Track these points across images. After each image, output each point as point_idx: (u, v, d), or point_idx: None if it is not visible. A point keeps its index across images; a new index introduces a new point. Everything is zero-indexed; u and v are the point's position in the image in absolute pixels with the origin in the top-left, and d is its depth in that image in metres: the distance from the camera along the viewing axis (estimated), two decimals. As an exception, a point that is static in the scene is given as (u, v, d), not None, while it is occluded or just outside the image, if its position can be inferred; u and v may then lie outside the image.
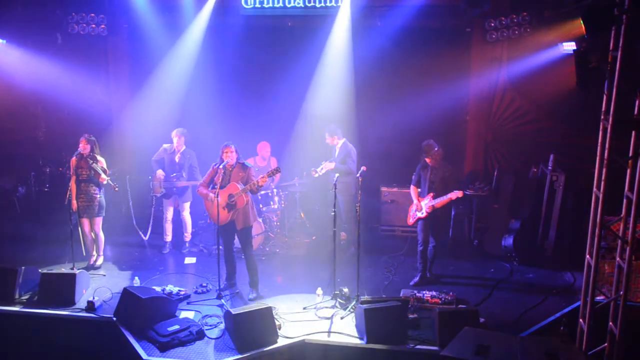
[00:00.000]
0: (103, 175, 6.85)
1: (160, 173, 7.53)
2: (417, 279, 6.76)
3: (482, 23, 8.23)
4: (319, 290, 6.12)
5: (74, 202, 6.91)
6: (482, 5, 7.92)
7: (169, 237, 7.88)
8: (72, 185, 6.93)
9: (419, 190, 6.82)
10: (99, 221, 7.12)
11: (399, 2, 8.19)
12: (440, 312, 5.25)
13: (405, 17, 8.20)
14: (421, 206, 6.65)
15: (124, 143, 9.46)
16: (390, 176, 8.58)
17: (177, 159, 7.59)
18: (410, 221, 6.82)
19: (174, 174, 7.56)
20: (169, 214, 7.79)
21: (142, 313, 5.43)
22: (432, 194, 6.58)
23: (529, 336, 5.31)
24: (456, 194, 6.45)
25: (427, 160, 6.65)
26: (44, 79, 8.99)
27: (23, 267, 6.24)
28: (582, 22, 4.56)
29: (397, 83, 8.89)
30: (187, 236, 7.91)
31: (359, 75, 8.72)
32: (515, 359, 4.31)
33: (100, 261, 7.21)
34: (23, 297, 6.11)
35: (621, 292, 4.53)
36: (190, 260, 7.55)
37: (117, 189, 6.96)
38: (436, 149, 6.57)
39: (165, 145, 7.69)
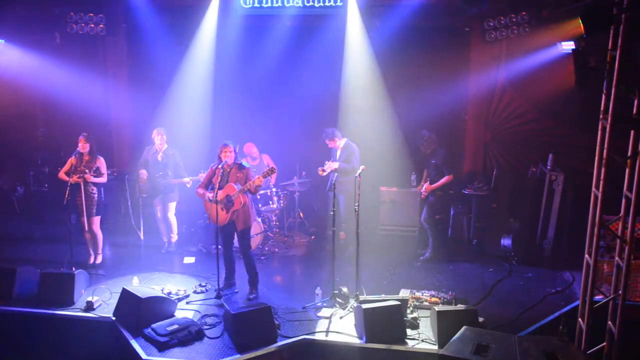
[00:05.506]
0: (100, 179, 6.88)
1: (143, 173, 7.51)
2: (427, 254, 7.46)
3: (481, 22, 8.22)
4: (318, 290, 6.11)
5: (63, 174, 6.90)
6: (480, 5, 7.93)
7: (166, 237, 7.88)
8: (62, 176, 6.90)
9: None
10: (96, 220, 7.11)
11: (398, 2, 8.19)
12: (439, 311, 5.24)
13: (404, 17, 8.20)
14: (422, 189, 7.41)
15: (123, 143, 9.46)
16: (389, 176, 8.57)
17: (159, 158, 7.56)
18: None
19: (160, 174, 7.52)
20: (160, 213, 7.78)
21: (141, 313, 5.42)
22: (428, 181, 7.30)
23: (528, 335, 5.30)
24: (446, 179, 7.19)
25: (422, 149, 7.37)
26: (42, 78, 8.97)
27: (22, 267, 6.23)
28: (580, 21, 4.55)
29: (395, 82, 8.88)
30: (174, 237, 7.90)
31: (357, 75, 8.71)
32: (514, 359, 4.32)
33: (99, 260, 7.21)
34: (22, 297, 6.09)
35: (620, 292, 4.53)
36: (189, 260, 7.55)
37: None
38: (426, 137, 7.25)
39: (147, 147, 7.69)
